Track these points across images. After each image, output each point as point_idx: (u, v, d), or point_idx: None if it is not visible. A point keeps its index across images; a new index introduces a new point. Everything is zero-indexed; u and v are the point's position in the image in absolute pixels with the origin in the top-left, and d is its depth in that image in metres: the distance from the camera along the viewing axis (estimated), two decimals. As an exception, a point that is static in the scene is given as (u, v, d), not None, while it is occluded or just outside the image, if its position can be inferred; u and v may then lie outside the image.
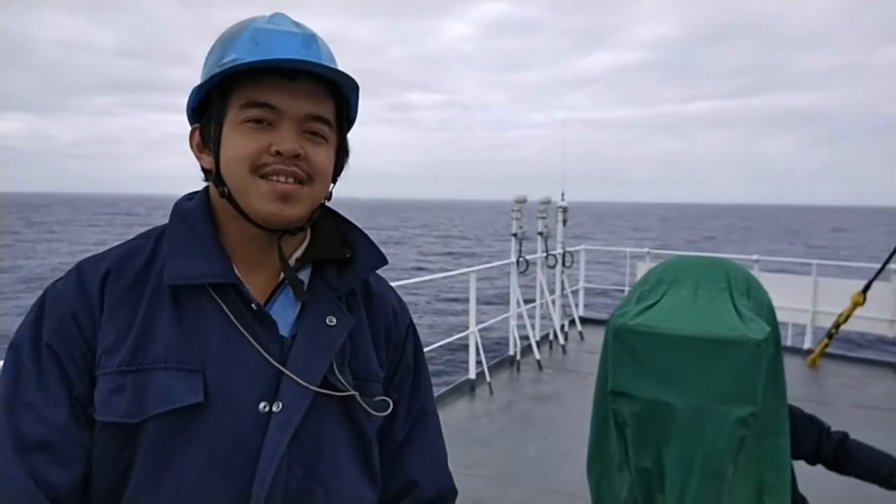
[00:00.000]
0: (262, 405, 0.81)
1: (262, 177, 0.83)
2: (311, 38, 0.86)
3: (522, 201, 6.61)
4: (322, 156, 0.87)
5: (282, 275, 0.90)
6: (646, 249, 8.37)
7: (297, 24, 0.88)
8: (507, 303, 6.77)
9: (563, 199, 7.65)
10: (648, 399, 1.43)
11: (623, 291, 8.75)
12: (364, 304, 0.98)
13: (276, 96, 0.83)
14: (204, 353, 0.81)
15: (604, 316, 9.54)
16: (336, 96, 0.90)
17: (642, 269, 7.88)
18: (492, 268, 7.07)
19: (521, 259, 6.67)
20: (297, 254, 0.93)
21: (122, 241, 0.91)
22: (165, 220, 0.92)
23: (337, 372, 0.87)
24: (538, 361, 6.40)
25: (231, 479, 0.79)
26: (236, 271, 0.86)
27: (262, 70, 0.82)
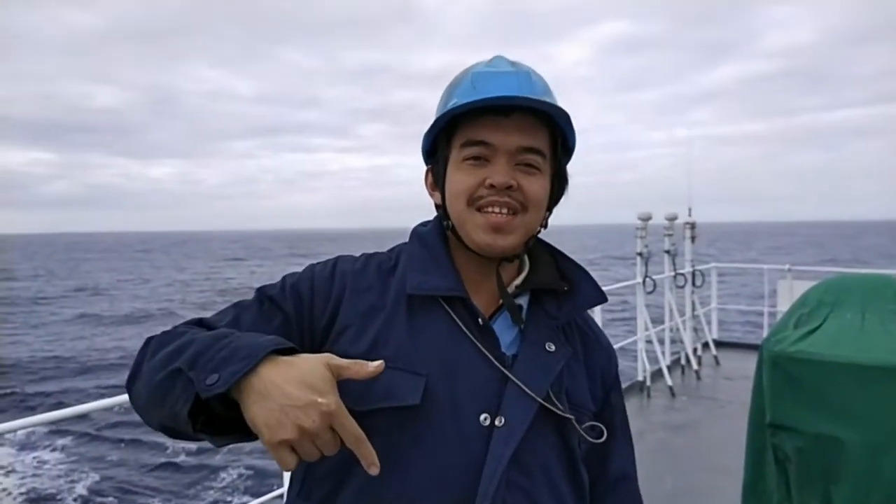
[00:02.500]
0: (482, 417, 0.84)
1: (479, 209, 0.90)
2: (524, 75, 0.91)
3: (647, 219, 6.37)
4: (535, 185, 0.90)
5: (499, 297, 0.93)
6: (786, 266, 7.71)
7: (514, 64, 0.93)
8: (633, 325, 6.51)
9: (690, 216, 7.28)
10: (814, 433, 1.30)
11: (762, 313, 8.13)
12: (580, 340, 0.99)
13: (490, 133, 0.89)
14: (430, 359, 0.86)
15: (740, 339, 8.91)
16: (551, 127, 0.93)
17: (783, 288, 7.28)
18: (617, 289, 6.81)
19: (647, 279, 6.40)
20: (517, 281, 0.97)
21: (374, 252, 1.02)
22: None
23: (554, 398, 0.88)
24: (670, 388, 6.06)
25: (452, 486, 0.82)
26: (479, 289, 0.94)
27: (479, 111, 0.88)
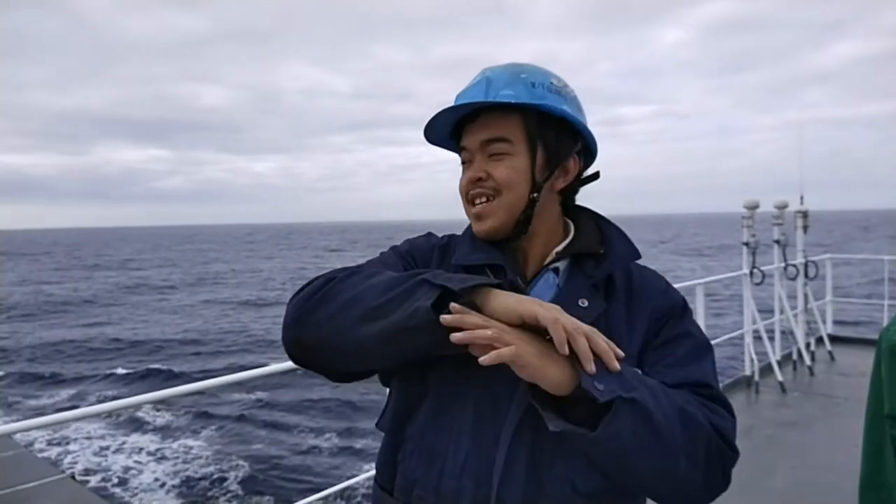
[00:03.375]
0: None
1: (472, 203, 1.07)
2: (483, 81, 1.04)
3: (754, 207, 6.09)
4: (500, 169, 1.03)
5: (543, 263, 1.06)
6: (911, 256, 7.14)
7: (484, 71, 1.06)
8: (739, 318, 6.28)
9: (801, 203, 6.89)
10: (937, 426, 1.29)
11: (881, 306, 7.59)
12: (626, 294, 1.05)
13: (466, 138, 1.06)
14: None
15: (858, 334, 8.36)
16: (524, 111, 1.02)
17: None
18: (721, 280, 6.58)
19: (755, 270, 6.15)
20: (559, 248, 1.07)
21: (446, 234, 1.19)
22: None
23: None
24: (780, 383, 5.81)
25: (488, 425, 0.95)
26: (517, 259, 1.06)
27: (462, 123, 1.07)
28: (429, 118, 1.05)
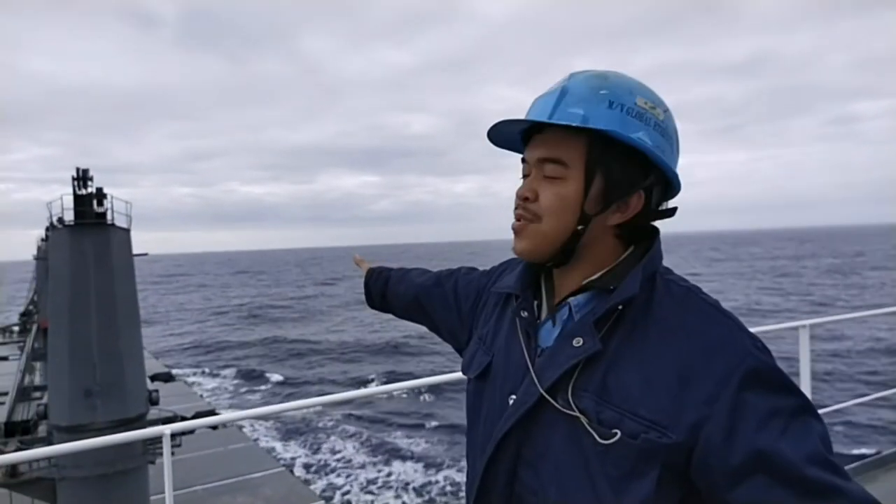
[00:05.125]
0: (511, 397, 0.97)
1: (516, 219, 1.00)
2: (558, 93, 0.94)
3: None
4: (547, 193, 0.94)
5: (567, 297, 0.99)
6: None
7: (568, 77, 0.96)
8: None
9: None
10: None
11: None
12: (652, 336, 0.89)
13: (528, 150, 0.99)
14: (498, 344, 1.06)
15: None
16: (593, 135, 0.91)
17: None
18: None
19: None
20: (589, 280, 0.97)
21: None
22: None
23: (570, 392, 0.90)
24: None
25: (487, 442, 0.99)
26: (542, 289, 1.04)
27: (532, 132, 0.99)
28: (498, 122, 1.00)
